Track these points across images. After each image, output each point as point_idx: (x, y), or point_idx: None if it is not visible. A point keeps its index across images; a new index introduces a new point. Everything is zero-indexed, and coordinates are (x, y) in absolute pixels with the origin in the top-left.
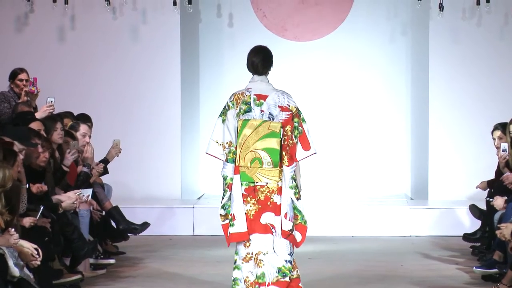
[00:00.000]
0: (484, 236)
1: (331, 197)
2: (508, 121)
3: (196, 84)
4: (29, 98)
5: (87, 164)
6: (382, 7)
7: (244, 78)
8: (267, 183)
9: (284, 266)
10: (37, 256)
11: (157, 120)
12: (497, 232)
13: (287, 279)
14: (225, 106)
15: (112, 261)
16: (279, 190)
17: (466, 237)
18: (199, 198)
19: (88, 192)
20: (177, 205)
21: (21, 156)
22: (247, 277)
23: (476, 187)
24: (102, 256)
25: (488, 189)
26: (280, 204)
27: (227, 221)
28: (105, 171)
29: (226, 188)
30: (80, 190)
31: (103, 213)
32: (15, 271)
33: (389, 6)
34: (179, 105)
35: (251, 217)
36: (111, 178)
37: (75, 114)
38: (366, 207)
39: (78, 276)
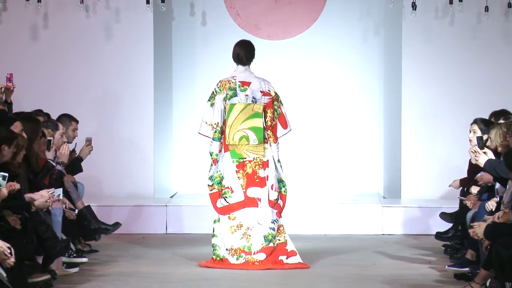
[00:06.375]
0: (457, 234)
1: (304, 195)
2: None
3: (169, 82)
4: (4, 94)
5: (62, 163)
6: (355, 7)
7: (217, 76)
8: (254, 157)
9: (269, 234)
10: (10, 255)
11: (130, 118)
12: (470, 231)
13: (271, 244)
14: (213, 91)
15: (84, 259)
16: (265, 164)
17: (439, 235)
18: (172, 197)
19: (59, 191)
20: (150, 203)
21: None
22: (232, 246)
23: (449, 186)
24: (74, 255)
25: (461, 188)
26: (265, 177)
27: (215, 190)
28: (79, 169)
29: (212, 163)
30: (52, 188)
31: (76, 211)
32: None
33: (362, 6)
34: (152, 103)
35: (244, 190)
36: (84, 176)
37: (47, 111)
38: (339, 205)
39: (47, 276)
